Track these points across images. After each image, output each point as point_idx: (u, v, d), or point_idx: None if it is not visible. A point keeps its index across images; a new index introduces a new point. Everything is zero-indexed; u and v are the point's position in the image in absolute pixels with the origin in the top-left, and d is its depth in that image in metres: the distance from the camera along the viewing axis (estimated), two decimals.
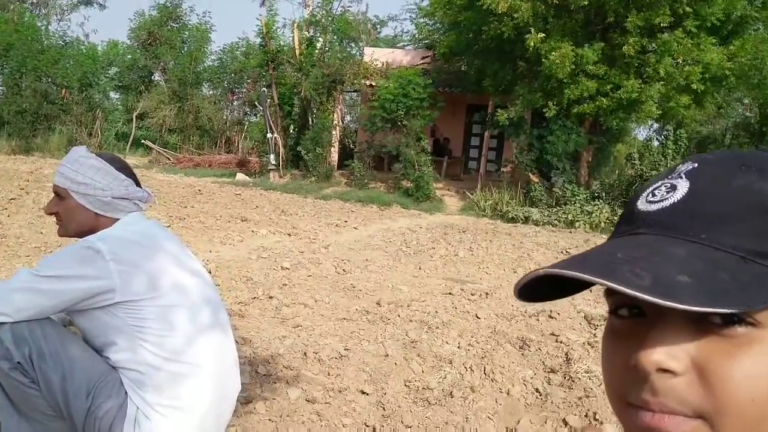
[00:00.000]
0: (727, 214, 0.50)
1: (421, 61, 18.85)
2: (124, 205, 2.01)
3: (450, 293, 5.36)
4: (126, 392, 1.88)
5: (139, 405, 1.86)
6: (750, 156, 0.54)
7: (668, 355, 0.49)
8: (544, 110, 12.91)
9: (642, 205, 0.56)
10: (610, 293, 0.55)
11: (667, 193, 0.54)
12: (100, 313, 1.86)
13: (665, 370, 0.49)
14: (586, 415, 2.94)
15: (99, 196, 1.96)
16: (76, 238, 1.98)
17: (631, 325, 0.53)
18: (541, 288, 0.55)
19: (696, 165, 0.55)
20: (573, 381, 3.28)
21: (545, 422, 2.82)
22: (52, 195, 2.03)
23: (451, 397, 3.07)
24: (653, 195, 0.55)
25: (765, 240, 0.49)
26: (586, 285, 0.52)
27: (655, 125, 20.54)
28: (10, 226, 6.65)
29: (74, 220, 1.98)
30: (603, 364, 0.57)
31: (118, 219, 2.01)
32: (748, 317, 0.48)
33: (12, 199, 8.16)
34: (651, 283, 0.46)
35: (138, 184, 2.08)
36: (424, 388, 3.17)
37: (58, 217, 2.00)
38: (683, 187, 0.53)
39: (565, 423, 2.86)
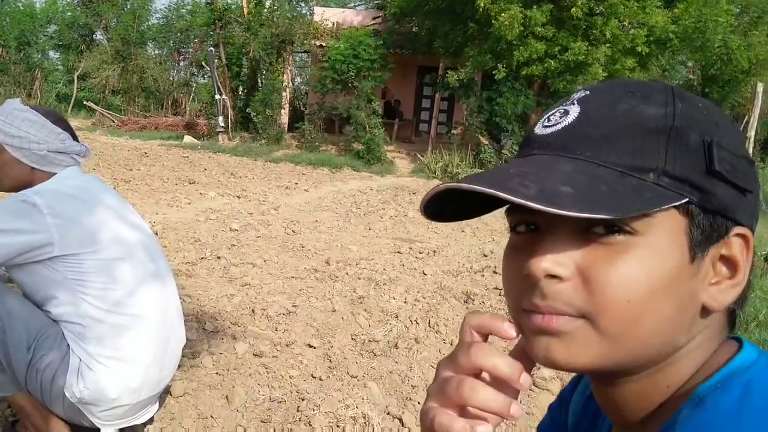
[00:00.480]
0: (610, 134, 0.55)
1: (372, 22, 18.66)
2: (60, 159, 1.99)
3: (398, 252, 5.43)
4: (68, 345, 1.88)
5: (82, 357, 1.87)
6: (635, 84, 0.59)
7: (555, 263, 0.54)
8: (493, 72, 12.97)
9: (538, 129, 0.60)
10: (509, 212, 0.60)
11: (560, 117, 0.59)
12: (40, 267, 1.85)
13: (553, 276, 0.54)
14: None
15: (34, 150, 1.93)
16: (11, 193, 1.95)
17: (527, 239, 0.58)
18: (449, 207, 0.60)
19: (588, 93, 0.60)
20: None
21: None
22: None
23: (396, 348, 3.15)
24: (548, 120, 0.60)
25: (642, 156, 0.53)
26: (492, 204, 0.56)
27: None
28: None
29: (9, 174, 1.95)
30: (503, 277, 0.62)
31: (54, 173, 1.98)
32: (625, 226, 0.52)
33: None
34: (536, 192, 0.50)
35: (75, 138, 2.05)
36: (370, 341, 3.24)
37: None
38: (574, 112, 0.58)
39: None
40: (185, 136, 17.07)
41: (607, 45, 12.23)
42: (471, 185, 0.52)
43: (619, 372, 0.58)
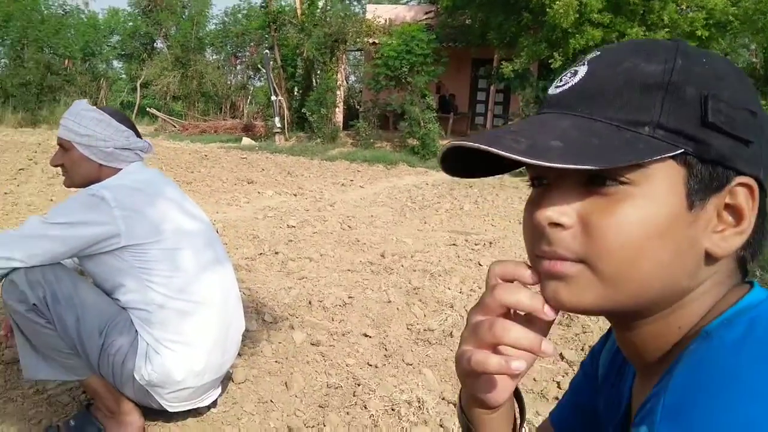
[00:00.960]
0: (609, 91, 0.58)
1: (425, 17, 18.67)
2: (125, 155, 2.10)
3: (454, 244, 5.45)
4: (136, 330, 2.00)
5: (149, 341, 1.98)
6: (644, 42, 0.62)
7: (558, 212, 0.58)
8: (549, 61, 12.78)
9: (551, 90, 0.64)
10: (527, 169, 0.64)
11: (570, 78, 0.62)
12: (108, 257, 1.96)
13: (556, 224, 0.59)
14: (582, 349, 3.05)
15: (101, 147, 2.05)
16: (80, 189, 2.07)
17: (540, 192, 0.63)
18: (473, 165, 0.65)
19: (599, 53, 0.63)
20: (572, 319, 3.39)
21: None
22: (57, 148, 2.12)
23: (451, 337, 3.18)
24: (560, 81, 0.64)
25: (638, 111, 0.57)
26: (513, 163, 0.59)
27: None
28: (20, 195, 6.78)
29: (78, 171, 2.08)
30: (522, 227, 0.67)
31: (120, 169, 2.10)
32: (621, 177, 0.56)
33: (21, 169, 8.28)
34: (527, 147, 0.55)
35: (138, 135, 2.17)
36: (425, 330, 3.28)
37: (63, 168, 2.10)
38: (582, 72, 0.62)
39: (562, 357, 2.98)
40: (243, 138, 17.45)
41: (666, 30, 11.91)
42: (470, 142, 0.56)
43: (631, 315, 0.62)
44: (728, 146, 0.56)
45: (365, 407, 2.40)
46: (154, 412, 2.16)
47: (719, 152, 0.56)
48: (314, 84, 18.07)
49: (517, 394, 0.75)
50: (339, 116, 17.72)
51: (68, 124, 2.06)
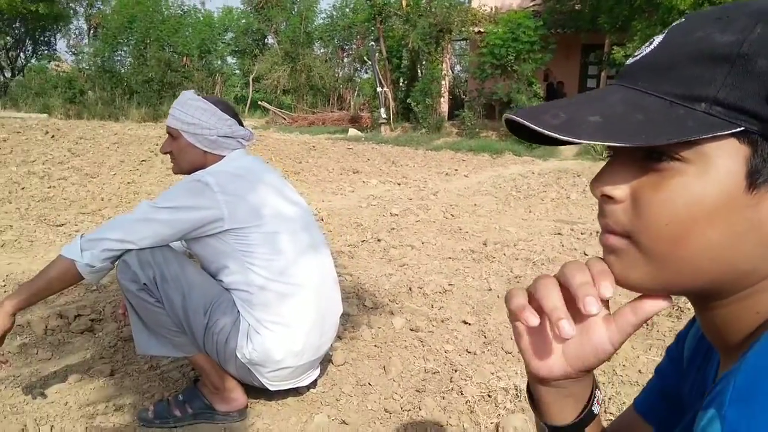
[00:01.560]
0: (673, 62, 0.54)
1: (532, 3, 18.20)
2: (228, 143, 2.18)
3: (559, 233, 5.30)
4: (238, 311, 2.07)
5: (250, 321, 2.06)
6: (732, 8, 0.56)
7: (610, 185, 0.58)
8: None
9: (629, 60, 0.61)
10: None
11: (646, 48, 0.59)
12: (212, 240, 2.05)
13: (609, 198, 0.58)
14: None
15: (206, 135, 2.14)
16: (187, 175, 2.17)
17: (604, 166, 0.61)
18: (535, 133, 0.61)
19: (683, 20, 0.58)
20: (682, 311, 3.21)
21: (649, 349, 2.80)
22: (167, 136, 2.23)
23: None
24: (639, 51, 0.60)
25: (696, 84, 0.52)
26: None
27: None
28: (141, 184, 7.22)
29: (185, 158, 2.18)
30: None
31: (223, 156, 2.19)
32: (675, 154, 0.53)
33: (143, 160, 8.80)
34: (561, 122, 0.54)
35: (241, 124, 2.24)
36: None
37: (171, 156, 2.21)
38: (657, 41, 0.58)
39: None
40: (350, 129, 17.76)
41: None
42: (512, 115, 0.56)
43: (701, 297, 0.59)
44: None
45: (461, 393, 2.38)
46: (256, 390, 2.25)
47: None
48: (419, 74, 18.10)
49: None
50: (444, 106, 17.65)
51: (176, 113, 2.16)
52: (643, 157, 0.56)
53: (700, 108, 0.52)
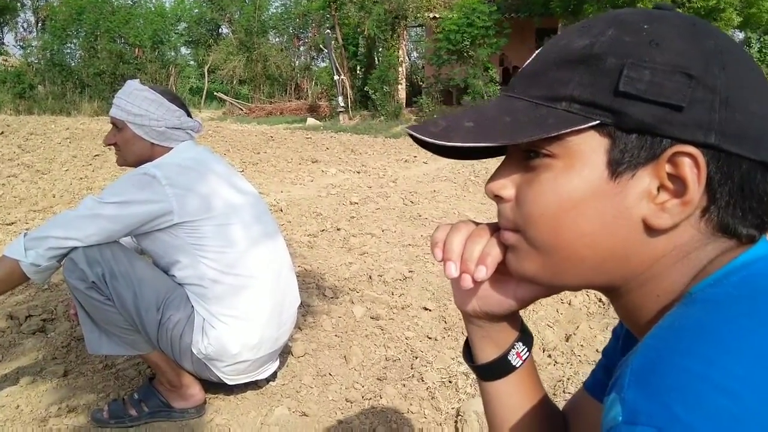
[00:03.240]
0: (540, 68, 0.59)
1: None
2: (177, 134, 2.13)
3: None
4: (192, 305, 2.03)
5: (205, 316, 2.01)
6: (596, 17, 0.60)
7: (498, 185, 0.63)
8: None
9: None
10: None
11: (528, 60, 0.63)
12: (162, 234, 2.00)
13: (499, 197, 0.63)
14: None
15: (154, 127, 2.08)
16: (133, 168, 2.11)
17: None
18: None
19: (560, 33, 0.63)
20: None
21: (606, 328, 2.84)
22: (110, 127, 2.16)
23: None
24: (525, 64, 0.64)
25: (557, 85, 0.57)
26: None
27: (738, 34, 19.25)
28: (95, 179, 7.04)
29: (131, 150, 2.11)
30: None
31: (171, 148, 2.13)
32: (543, 150, 0.57)
33: (96, 155, 8.58)
34: (439, 130, 0.59)
35: (189, 115, 2.18)
36: None
37: (116, 147, 2.13)
38: (535, 53, 0.63)
39: None
40: (308, 118, 17.62)
41: None
42: (408, 129, 0.62)
43: (602, 288, 0.63)
44: (651, 114, 0.53)
45: (422, 380, 2.38)
46: (214, 386, 2.21)
47: (639, 121, 0.53)
48: (376, 62, 18.05)
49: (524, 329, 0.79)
50: (402, 93, 17.63)
51: (121, 103, 2.09)
52: (524, 158, 0.60)
53: (561, 106, 0.56)
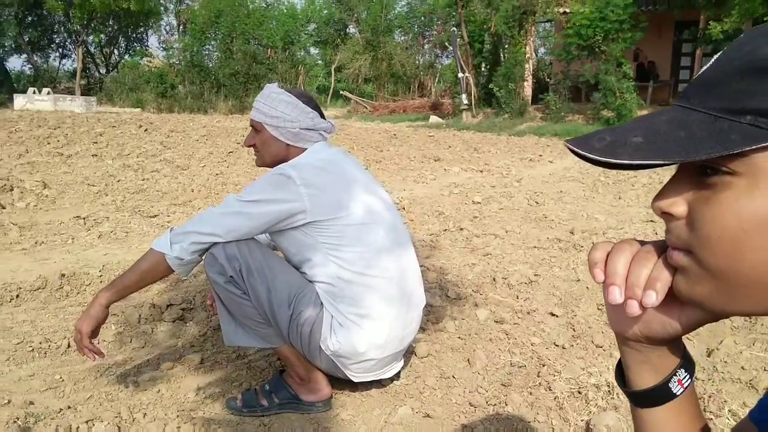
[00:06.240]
0: (721, 78, 0.54)
1: None
2: (310, 135, 2.19)
3: (651, 221, 5.08)
4: (322, 303, 2.08)
5: (333, 314, 2.06)
6: None
7: (669, 202, 0.59)
8: (765, 19, 11.42)
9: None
10: None
11: (704, 66, 0.58)
12: (296, 232, 2.06)
13: (669, 214, 0.59)
14: None
15: (289, 128, 2.15)
16: (270, 168, 2.19)
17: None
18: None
19: (741, 36, 0.56)
20: None
21: (753, 344, 2.63)
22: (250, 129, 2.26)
23: None
24: (699, 71, 0.59)
25: (742, 97, 0.52)
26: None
27: None
28: (229, 175, 7.42)
29: (268, 151, 2.20)
30: None
31: (306, 148, 2.19)
32: (723, 167, 0.53)
33: (230, 152, 9.04)
34: (605, 145, 0.57)
35: (322, 116, 2.24)
36: None
37: (255, 148, 2.23)
38: (714, 58, 0.57)
39: None
40: (431, 116, 17.66)
41: None
42: (568, 144, 0.60)
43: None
44: None
45: (550, 389, 2.30)
46: (340, 382, 2.25)
47: None
48: (502, 59, 17.77)
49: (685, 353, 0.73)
50: (527, 90, 17.27)
51: (260, 106, 2.18)
52: (698, 173, 0.57)
53: (745, 120, 0.52)
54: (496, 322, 2.98)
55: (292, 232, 2.07)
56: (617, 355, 2.33)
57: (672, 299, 0.63)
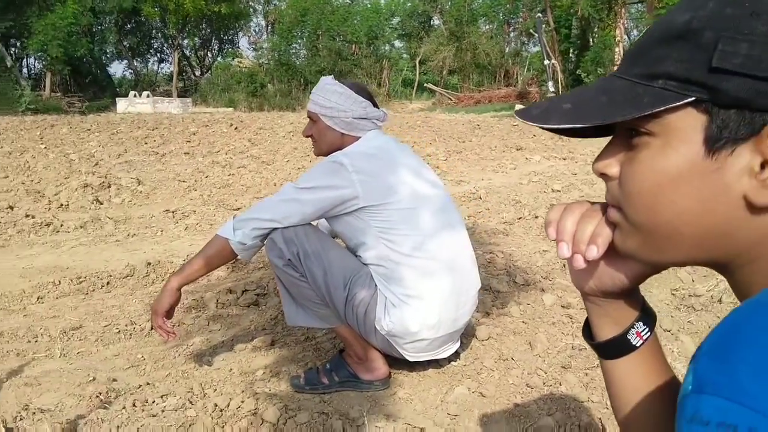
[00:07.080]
0: (644, 47, 0.59)
1: None
2: (363, 124, 2.27)
3: None
4: (376, 285, 2.16)
5: (387, 295, 2.13)
6: None
7: (604, 164, 0.64)
8: None
9: None
10: None
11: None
12: (350, 217, 2.15)
13: (605, 174, 0.64)
14: None
15: (342, 118, 2.24)
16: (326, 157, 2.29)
17: None
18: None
19: (673, 7, 0.61)
20: None
21: None
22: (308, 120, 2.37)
23: (720, 303, 2.87)
24: None
25: (655, 63, 0.56)
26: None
27: None
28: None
29: (324, 140, 2.30)
30: None
31: (359, 137, 2.27)
32: (642, 128, 0.57)
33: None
34: (540, 112, 0.62)
35: (375, 105, 2.32)
36: (690, 296, 3.01)
37: (312, 138, 2.34)
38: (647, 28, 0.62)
39: None
40: (516, 105, 17.39)
41: None
42: (515, 112, 0.66)
43: (716, 264, 0.61)
44: (748, 88, 0.51)
45: None
46: (398, 362, 2.33)
47: (735, 96, 0.51)
48: (590, 43, 17.29)
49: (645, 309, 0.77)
50: None
51: (315, 98, 2.28)
52: (628, 136, 0.61)
53: (657, 84, 0.56)
54: (563, 306, 2.97)
55: (346, 217, 2.16)
56: (683, 338, 2.30)
57: (617, 254, 0.67)
